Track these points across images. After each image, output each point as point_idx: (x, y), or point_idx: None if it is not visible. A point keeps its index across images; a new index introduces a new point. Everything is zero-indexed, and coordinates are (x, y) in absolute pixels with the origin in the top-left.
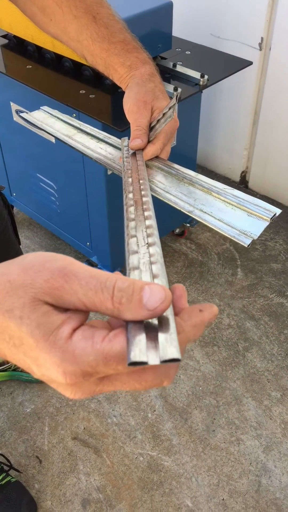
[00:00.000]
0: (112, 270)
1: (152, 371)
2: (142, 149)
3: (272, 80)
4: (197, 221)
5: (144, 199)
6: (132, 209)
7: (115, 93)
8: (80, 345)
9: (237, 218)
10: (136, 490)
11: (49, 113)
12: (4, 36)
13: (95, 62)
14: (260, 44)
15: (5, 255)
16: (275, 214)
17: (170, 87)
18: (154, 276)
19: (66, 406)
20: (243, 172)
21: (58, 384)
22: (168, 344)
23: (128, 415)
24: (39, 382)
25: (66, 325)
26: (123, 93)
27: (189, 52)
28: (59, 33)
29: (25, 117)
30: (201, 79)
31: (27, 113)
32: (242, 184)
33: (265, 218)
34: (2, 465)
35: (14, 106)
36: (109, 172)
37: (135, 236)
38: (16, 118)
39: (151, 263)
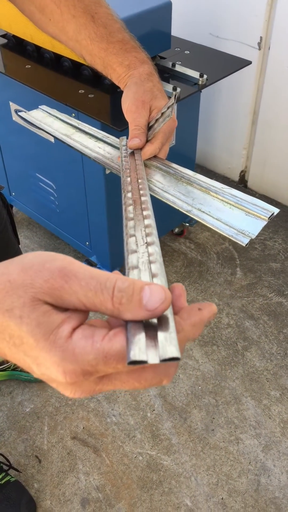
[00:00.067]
0: (111, 269)
1: (151, 370)
2: (141, 149)
3: (271, 79)
4: (196, 221)
5: (142, 198)
6: (131, 208)
7: (114, 93)
8: (80, 344)
9: (235, 218)
10: (136, 490)
11: (47, 112)
12: (3, 36)
13: (94, 62)
14: (259, 44)
15: (5, 254)
16: (273, 214)
17: (169, 87)
18: (153, 275)
19: (65, 405)
20: (242, 171)
21: (58, 383)
22: (168, 343)
23: (127, 415)
24: (38, 381)
25: (66, 324)
26: (122, 92)
27: (188, 52)
28: (58, 33)
29: (23, 116)
30: (200, 79)
31: (25, 112)
32: (241, 183)
33: (263, 218)
34: (1, 464)
35: (13, 106)
36: (108, 172)
37: (134, 235)
38: (15, 117)
39: (150, 262)
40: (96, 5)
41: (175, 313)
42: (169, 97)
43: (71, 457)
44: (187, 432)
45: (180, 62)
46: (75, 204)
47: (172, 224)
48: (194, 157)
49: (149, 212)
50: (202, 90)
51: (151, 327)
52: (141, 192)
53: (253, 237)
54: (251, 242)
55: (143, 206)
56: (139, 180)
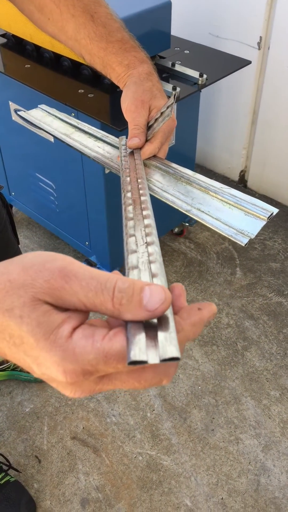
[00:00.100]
0: (111, 269)
1: (151, 370)
2: (140, 148)
3: (271, 79)
4: (196, 221)
5: (142, 198)
6: (130, 208)
7: (114, 93)
8: (81, 344)
9: (234, 217)
10: (135, 490)
11: (47, 111)
12: (3, 35)
13: (93, 61)
14: (259, 44)
15: (4, 254)
16: (272, 213)
17: (169, 86)
18: (153, 275)
19: (65, 405)
20: (242, 171)
21: (58, 383)
22: (168, 343)
23: (127, 415)
24: (38, 381)
25: (66, 324)
26: (121, 92)
27: (188, 52)
28: (57, 32)
29: (22, 116)
30: (200, 78)
31: (24, 111)
32: (241, 183)
33: (262, 217)
34: (1, 464)
35: (12, 106)
36: (107, 171)
37: (134, 235)
38: (14, 117)
39: (150, 262)
40: (96, 5)
41: (175, 312)
42: (169, 97)
43: (70, 457)
44: (187, 432)
45: (179, 62)
46: (74, 203)
47: (172, 224)
48: (194, 157)
49: (148, 212)
50: (202, 90)
51: (151, 327)
52: (140, 191)
53: (252, 236)
54: (251, 242)
55: (142, 205)
56: (139, 180)
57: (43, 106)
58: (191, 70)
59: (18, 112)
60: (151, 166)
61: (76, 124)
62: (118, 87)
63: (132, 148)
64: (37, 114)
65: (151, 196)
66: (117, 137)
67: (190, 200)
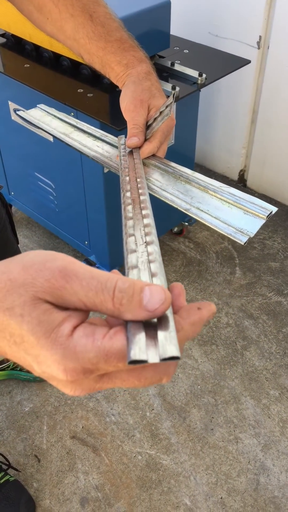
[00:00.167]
0: (110, 268)
1: (151, 368)
2: (139, 147)
3: (270, 78)
4: (195, 220)
5: (141, 197)
6: (130, 207)
7: (113, 92)
8: (81, 342)
9: (233, 216)
10: (135, 489)
11: (45, 111)
12: (2, 35)
13: (92, 61)
14: (258, 43)
15: (4, 254)
16: (271, 212)
17: (168, 86)
18: (152, 275)
19: (64, 405)
20: (241, 170)
21: (58, 381)
22: (168, 342)
23: (126, 414)
24: (37, 381)
25: (67, 323)
26: (120, 92)
27: (187, 51)
28: (56, 32)
29: (21, 115)
30: (199, 78)
31: (24, 111)
32: (241, 182)
33: (261, 216)
34: (0, 464)
35: (12, 105)
36: (106, 170)
37: (133, 234)
38: (14, 117)
39: (149, 261)
40: (94, 4)
41: (175, 312)
42: (168, 96)
43: (70, 456)
44: (186, 432)
45: (179, 61)
46: (74, 203)
47: (171, 223)
48: (193, 156)
49: (148, 211)
50: (201, 89)
51: (151, 326)
52: (140, 191)
53: (252, 235)
54: (250, 241)
55: (142, 205)
56: (138, 179)
57: (42, 106)
58: (190, 69)
59: (18, 112)
60: (150, 165)
61: (75, 124)
62: (117, 86)
63: (131, 147)
64: (36, 114)
65: (150, 195)
66: (116, 136)
67: (189, 199)
